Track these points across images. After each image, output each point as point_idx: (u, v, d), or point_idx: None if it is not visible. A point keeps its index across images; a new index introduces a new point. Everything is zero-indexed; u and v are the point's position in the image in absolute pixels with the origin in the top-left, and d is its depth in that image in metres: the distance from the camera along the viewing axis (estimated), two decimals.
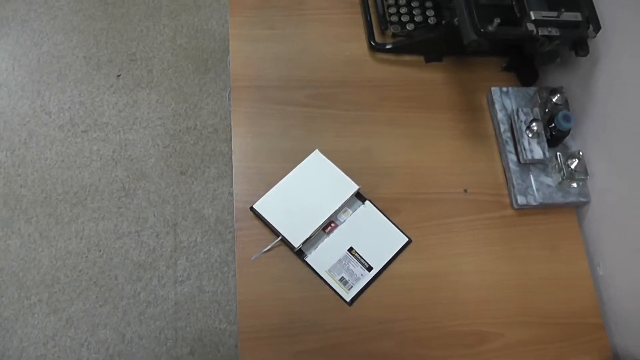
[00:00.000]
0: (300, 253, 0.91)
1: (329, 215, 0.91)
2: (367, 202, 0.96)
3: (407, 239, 0.94)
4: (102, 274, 1.65)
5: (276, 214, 0.90)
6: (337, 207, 0.92)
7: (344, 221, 0.94)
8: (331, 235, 0.93)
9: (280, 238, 0.90)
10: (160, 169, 1.77)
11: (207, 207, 1.73)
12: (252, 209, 0.91)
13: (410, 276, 0.93)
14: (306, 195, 0.92)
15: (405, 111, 1.05)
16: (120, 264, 1.66)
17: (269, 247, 0.90)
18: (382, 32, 1.10)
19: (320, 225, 0.91)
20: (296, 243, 0.88)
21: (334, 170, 0.95)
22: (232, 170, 0.95)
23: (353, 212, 0.95)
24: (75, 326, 1.59)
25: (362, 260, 0.91)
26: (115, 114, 1.84)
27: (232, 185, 0.94)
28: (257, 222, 0.92)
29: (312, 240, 0.92)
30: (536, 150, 0.99)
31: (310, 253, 0.91)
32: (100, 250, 1.67)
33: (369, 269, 0.91)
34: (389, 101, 1.05)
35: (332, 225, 0.94)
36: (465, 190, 1.00)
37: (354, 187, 0.93)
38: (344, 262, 0.91)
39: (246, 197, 0.93)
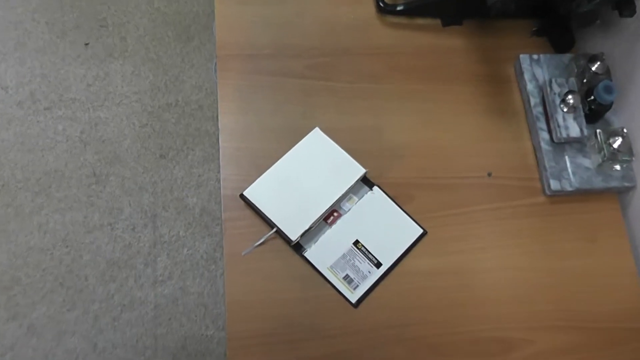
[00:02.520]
0: (298, 247, 0.91)
1: (332, 203, 0.91)
2: (375, 187, 0.96)
3: (421, 231, 0.95)
4: (70, 274, 1.65)
5: (270, 202, 0.90)
6: (340, 194, 0.92)
7: (349, 210, 0.94)
8: (334, 226, 0.93)
9: (275, 230, 0.90)
10: (136, 152, 1.77)
11: (191, 196, 1.74)
12: (242, 196, 0.91)
13: (425, 273, 0.93)
14: (305, 180, 0.92)
15: (419, 83, 1.05)
16: (90, 261, 1.67)
17: (261, 240, 0.90)
18: None
19: (321, 215, 0.91)
20: (293, 236, 0.89)
21: (337, 151, 0.95)
22: (219, 153, 0.95)
23: (359, 199, 0.95)
24: (39, 334, 1.60)
25: (370, 256, 0.92)
26: (84, 89, 1.83)
27: (219, 170, 0.94)
28: (248, 212, 0.92)
29: (311, 233, 0.92)
30: (572, 127, 0.98)
31: (310, 247, 0.91)
32: (68, 246, 1.68)
33: (378, 265, 0.91)
34: (400, 72, 1.05)
35: (335, 214, 0.94)
36: (489, 174, 1.00)
37: (360, 171, 0.93)
38: (348, 257, 0.91)
39: (235, 183, 0.93)
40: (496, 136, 1.03)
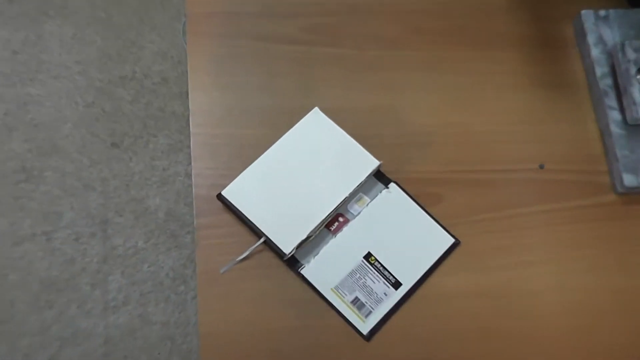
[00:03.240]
0: (292, 262, 0.92)
1: (336, 205, 0.91)
2: (392, 185, 0.96)
3: (452, 240, 0.95)
4: None
5: (256, 204, 0.91)
6: (347, 194, 0.92)
7: (358, 214, 0.95)
8: (339, 235, 0.93)
9: (262, 240, 0.90)
10: (80, 140, 1.77)
11: (153, 196, 1.73)
12: (220, 196, 0.91)
13: (458, 296, 0.93)
14: (301, 175, 0.93)
15: (448, 49, 1.05)
16: (19, 282, 1.66)
17: (246, 254, 0.91)
18: None
19: (323, 221, 0.91)
20: (286, 248, 0.89)
21: (343, 138, 0.95)
22: (189, 141, 0.95)
23: (372, 200, 0.95)
24: None
25: (386, 273, 0.92)
26: (8, 57, 1.83)
27: (189, 163, 0.94)
28: (227, 217, 0.93)
29: (310, 243, 0.92)
30: None
31: (309, 262, 0.92)
32: None
33: (396, 285, 0.92)
34: (424, 35, 1.05)
35: (341, 220, 0.94)
36: (541, 166, 1.00)
37: (373, 163, 0.94)
38: (358, 275, 0.92)
39: (211, 179, 0.94)
40: (550, 117, 1.03)
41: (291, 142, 0.94)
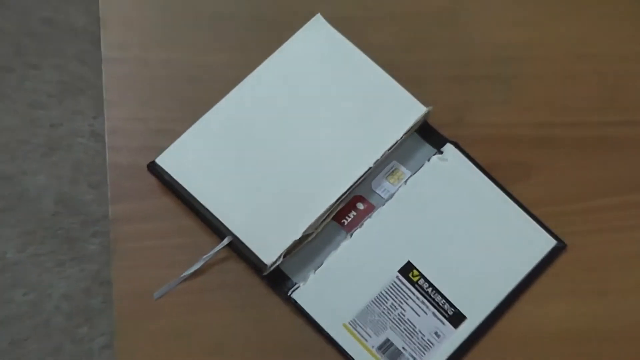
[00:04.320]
0: (279, 280, 0.89)
1: (352, 182, 0.89)
2: (448, 147, 0.94)
3: (553, 243, 0.92)
4: None
5: (216, 180, 0.88)
6: (372, 163, 0.89)
7: (391, 197, 0.91)
8: (357, 233, 0.91)
9: (227, 242, 0.87)
10: None
11: (33, 172, 1.71)
12: (153, 167, 0.88)
13: (563, 336, 0.90)
14: (293, 133, 0.90)
15: None
16: None
17: (198, 265, 0.87)
18: None
19: (329, 210, 0.88)
20: (268, 255, 0.86)
21: (366, 68, 0.92)
22: (97, 75, 0.90)
23: (413, 173, 0.92)
24: None
25: (438, 298, 0.89)
26: None
27: (98, 113, 0.89)
28: (166, 202, 0.90)
29: (308, 248, 0.89)
30: None
31: (305, 280, 0.89)
32: None
33: (456, 319, 0.89)
34: None
35: (361, 207, 0.91)
36: None
37: (417, 111, 0.91)
38: (390, 301, 0.88)
39: (138, 139, 0.92)
40: None
41: (276, 73, 0.91)
